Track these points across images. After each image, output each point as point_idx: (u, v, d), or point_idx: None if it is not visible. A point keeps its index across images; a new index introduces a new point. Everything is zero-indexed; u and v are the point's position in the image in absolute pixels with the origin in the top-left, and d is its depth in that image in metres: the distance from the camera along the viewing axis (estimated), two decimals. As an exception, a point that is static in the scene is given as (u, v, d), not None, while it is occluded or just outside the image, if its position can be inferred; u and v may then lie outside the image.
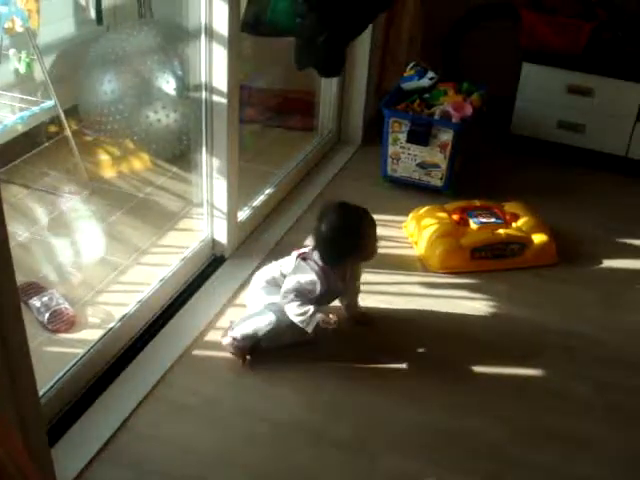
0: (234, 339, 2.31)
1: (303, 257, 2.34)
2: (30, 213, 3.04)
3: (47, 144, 3.37)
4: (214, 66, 2.47)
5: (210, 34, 2.42)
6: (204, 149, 2.63)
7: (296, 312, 2.27)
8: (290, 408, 2.21)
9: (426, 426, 2.17)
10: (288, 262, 2.38)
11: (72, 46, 3.47)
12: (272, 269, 2.43)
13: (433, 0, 3.67)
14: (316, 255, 2.31)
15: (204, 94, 2.53)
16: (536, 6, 3.55)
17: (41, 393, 2.02)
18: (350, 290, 2.49)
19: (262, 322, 2.31)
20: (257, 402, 2.23)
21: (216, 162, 2.64)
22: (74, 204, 3.10)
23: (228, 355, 2.36)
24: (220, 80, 2.49)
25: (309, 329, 2.27)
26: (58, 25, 3.44)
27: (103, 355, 2.28)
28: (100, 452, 2.00)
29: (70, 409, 2.12)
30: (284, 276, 2.35)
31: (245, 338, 2.31)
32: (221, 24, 2.40)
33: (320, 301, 2.33)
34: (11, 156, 3.28)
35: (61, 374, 2.12)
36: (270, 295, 2.37)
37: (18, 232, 2.89)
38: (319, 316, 2.26)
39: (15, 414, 1.65)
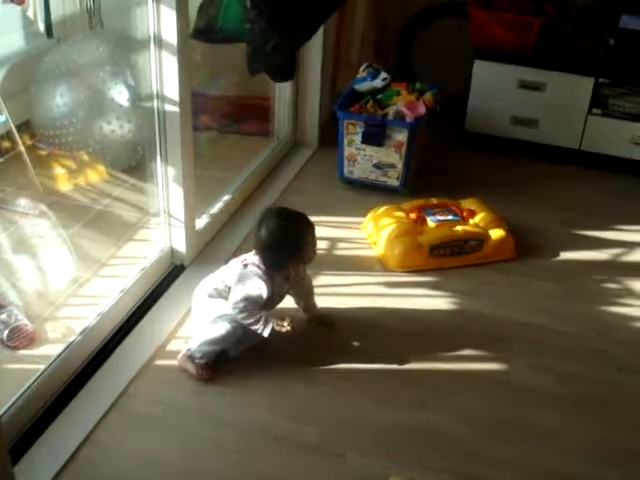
0: (188, 350, 2.31)
1: (245, 264, 2.33)
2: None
3: (0, 160, 3.33)
4: (165, 75, 2.47)
5: (159, 43, 2.42)
6: (158, 158, 2.62)
7: (249, 321, 2.27)
8: (255, 413, 2.21)
9: (392, 425, 2.18)
10: (229, 271, 2.36)
11: (22, 60, 3.43)
12: (213, 281, 2.39)
13: (384, 1, 3.70)
14: (258, 260, 2.31)
15: (156, 103, 2.53)
16: (485, 4, 3.59)
17: (3, 411, 2.00)
18: (299, 290, 2.50)
19: (218, 332, 2.29)
20: (222, 409, 2.22)
21: (171, 171, 2.63)
22: (30, 219, 3.07)
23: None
24: (171, 89, 2.49)
25: (265, 333, 2.27)
26: (7, 39, 3.40)
27: (65, 369, 2.25)
28: (65, 467, 1.98)
29: (33, 425, 2.09)
30: (228, 287, 2.34)
31: (205, 355, 2.30)
32: (170, 33, 2.39)
33: (268, 304, 2.33)
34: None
35: (22, 390, 2.10)
36: (216, 307, 2.34)
37: (-27, 250, 2.86)
38: (272, 319, 2.27)
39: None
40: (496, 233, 2.91)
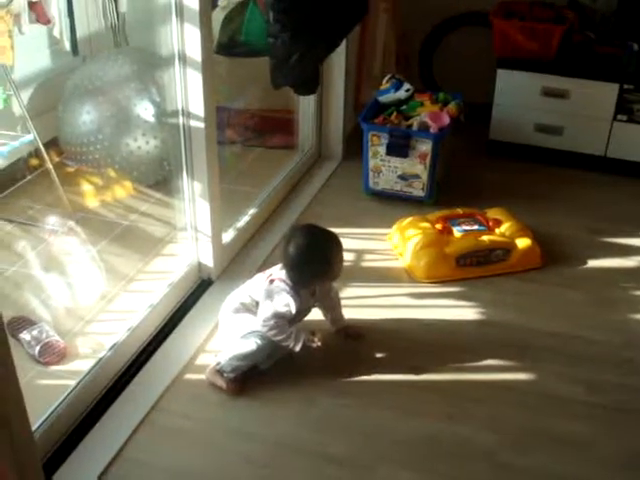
0: (217, 364, 2.33)
1: (271, 279, 2.33)
2: (15, 247, 3.04)
3: (29, 177, 3.37)
4: (189, 91, 2.49)
5: (184, 59, 2.44)
6: (184, 174, 2.64)
7: (280, 338, 2.28)
8: (283, 426, 2.21)
9: (420, 436, 2.18)
10: (255, 286, 2.38)
11: (49, 78, 3.49)
12: (239, 296, 2.41)
13: (405, 13, 3.71)
14: (284, 275, 2.32)
15: (181, 119, 2.55)
16: (506, 13, 3.59)
17: (35, 426, 2.03)
18: (326, 303, 2.51)
19: (249, 348, 2.30)
20: (251, 422, 2.23)
21: (197, 186, 2.65)
22: (59, 236, 3.11)
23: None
24: (196, 104, 2.51)
25: (297, 348, 2.29)
26: (34, 58, 3.46)
27: (95, 385, 2.28)
28: (97, 483, 2.01)
29: (65, 441, 2.12)
30: (255, 301, 2.35)
31: (235, 369, 2.31)
32: (194, 49, 2.42)
33: (295, 318, 2.34)
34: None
35: (54, 406, 2.12)
36: (244, 322, 2.35)
37: (4, 267, 2.90)
38: (303, 334, 2.29)
39: (10, 454, 1.66)
40: (522, 242, 2.90)
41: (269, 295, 2.30)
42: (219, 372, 2.33)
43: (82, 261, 2.99)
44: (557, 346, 2.54)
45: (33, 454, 1.75)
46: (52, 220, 3.14)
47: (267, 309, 2.28)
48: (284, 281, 2.31)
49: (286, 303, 2.28)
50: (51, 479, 1.98)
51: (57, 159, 3.44)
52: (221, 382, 2.32)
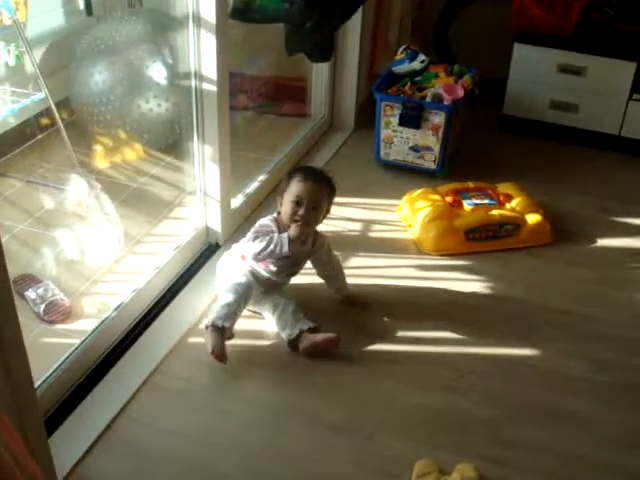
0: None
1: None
2: (24, 205, 3.04)
3: (40, 136, 3.36)
4: (203, 54, 2.47)
5: (198, 22, 2.42)
6: (195, 137, 2.63)
7: (264, 244, 2.31)
8: (284, 393, 2.22)
9: (421, 407, 2.18)
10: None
11: (62, 38, 3.46)
12: (235, 251, 2.48)
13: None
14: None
15: (194, 82, 2.53)
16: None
17: (38, 384, 2.04)
18: (328, 272, 2.53)
19: (225, 295, 2.35)
20: (252, 388, 2.24)
21: (208, 150, 2.64)
22: (68, 195, 3.10)
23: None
24: (209, 68, 2.49)
25: (285, 250, 2.30)
26: (47, 17, 3.43)
27: (99, 345, 2.29)
28: (97, 441, 2.01)
29: (67, 399, 2.12)
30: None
31: (216, 318, 2.30)
32: (208, 11, 2.40)
33: (285, 264, 2.39)
34: (5, 149, 3.29)
35: (57, 365, 2.13)
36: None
37: (13, 224, 2.90)
38: (285, 235, 2.31)
39: (12, 408, 1.66)
40: (532, 218, 2.88)
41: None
42: (206, 329, 2.31)
43: (90, 222, 2.99)
44: (563, 323, 2.53)
45: (35, 410, 1.76)
46: (61, 179, 3.14)
47: (248, 236, 2.37)
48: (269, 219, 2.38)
49: (267, 223, 2.37)
50: (52, 436, 1.99)
51: (68, 119, 3.44)
52: (208, 341, 2.28)
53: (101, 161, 3.33)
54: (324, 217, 2.44)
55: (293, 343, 2.33)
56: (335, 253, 2.55)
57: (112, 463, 1.97)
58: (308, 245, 2.42)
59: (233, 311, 2.31)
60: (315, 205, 2.34)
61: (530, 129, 3.68)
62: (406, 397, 2.21)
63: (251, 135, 3.63)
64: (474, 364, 2.34)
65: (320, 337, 2.31)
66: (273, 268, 2.41)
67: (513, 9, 3.52)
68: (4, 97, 2.80)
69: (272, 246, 2.31)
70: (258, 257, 2.36)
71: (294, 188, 2.34)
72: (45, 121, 3.29)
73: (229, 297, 2.33)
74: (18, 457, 1.39)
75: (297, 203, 2.32)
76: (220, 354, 2.23)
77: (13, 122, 3.25)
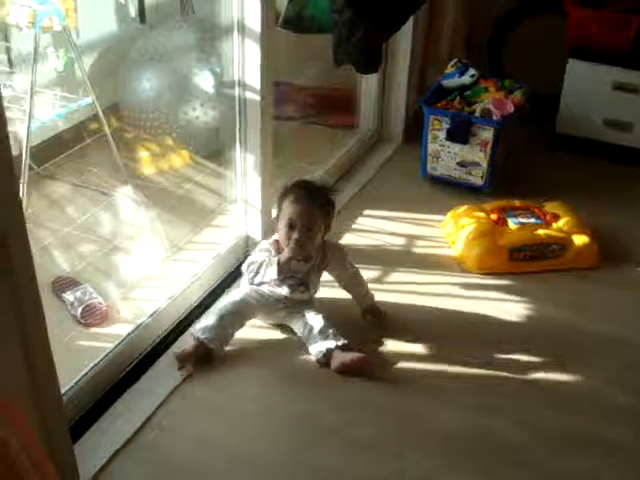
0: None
1: None
2: (70, 209, 3.07)
3: (89, 141, 3.40)
4: (247, 63, 2.46)
5: (242, 30, 2.41)
6: (237, 146, 2.62)
7: (251, 274, 2.34)
8: (314, 406, 2.19)
9: (451, 427, 2.12)
10: None
11: (114, 44, 3.50)
12: None
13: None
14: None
15: (237, 91, 2.52)
16: (584, 1, 3.45)
17: (69, 386, 2.04)
18: (347, 285, 2.49)
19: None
20: (282, 400, 2.22)
21: (250, 158, 2.63)
22: (113, 200, 3.13)
23: (257, 353, 2.36)
24: (253, 76, 2.48)
25: (272, 276, 2.30)
26: (100, 23, 3.48)
27: (132, 350, 2.28)
28: (124, 447, 2.00)
29: (97, 403, 2.13)
30: None
31: (200, 330, 2.32)
32: (253, 20, 2.38)
33: (294, 282, 2.37)
34: (54, 153, 3.33)
35: (88, 369, 2.13)
36: None
37: (57, 227, 2.93)
38: (274, 260, 2.29)
39: (36, 410, 1.67)
40: (580, 239, 2.80)
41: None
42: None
43: (133, 227, 3.00)
44: (607, 349, 2.44)
45: (60, 412, 1.77)
46: (108, 184, 3.16)
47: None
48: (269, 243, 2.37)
49: (262, 247, 2.37)
50: (78, 441, 1.98)
51: (117, 124, 3.47)
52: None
53: (147, 167, 3.35)
54: (325, 233, 2.38)
55: (322, 361, 2.30)
56: (358, 266, 2.51)
57: (136, 471, 1.96)
58: (314, 261, 2.37)
59: (216, 326, 2.29)
60: (309, 226, 2.27)
61: (582, 147, 3.58)
62: (438, 417, 2.16)
63: (297, 145, 3.60)
64: (511, 387, 2.27)
65: (350, 357, 2.26)
66: (280, 288, 2.38)
67: (568, 24, 3.44)
68: (53, 101, 2.83)
69: (262, 271, 2.31)
70: (253, 282, 2.36)
71: (286, 210, 2.29)
72: (94, 126, 3.33)
73: (214, 316, 2.33)
74: (35, 460, 1.39)
75: (290, 226, 2.27)
76: (182, 358, 2.24)
77: (62, 126, 3.29)
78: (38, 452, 1.42)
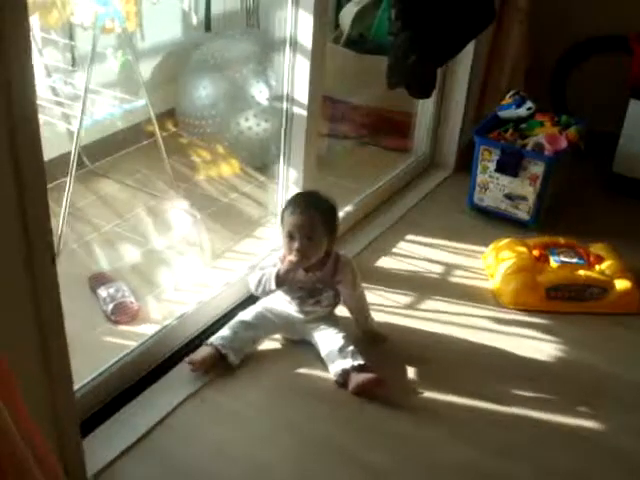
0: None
1: None
2: (116, 207, 3.13)
3: (145, 142, 3.47)
4: (296, 77, 2.48)
5: (294, 44, 2.43)
6: (281, 160, 2.64)
7: (254, 284, 2.36)
8: (331, 427, 2.17)
9: (468, 465, 2.08)
10: None
11: (177, 50, 3.56)
12: None
13: (541, 30, 3.56)
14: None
15: (285, 105, 2.54)
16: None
17: (86, 380, 2.08)
18: (349, 303, 2.47)
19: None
20: (300, 417, 2.20)
21: (292, 173, 2.64)
22: (159, 203, 3.18)
23: (278, 366, 2.36)
24: (301, 92, 2.49)
25: (272, 286, 2.31)
26: (166, 29, 3.55)
27: (156, 351, 2.31)
28: (134, 446, 2.02)
29: (114, 400, 2.15)
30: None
31: (215, 339, 2.35)
32: (306, 35, 2.40)
33: (303, 295, 2.38)
34: (108, 151, 3.41)
35: (108, 365, 2.16)
36: None
37: (101, 223, 2.99)
38: (274, 270, 2.30)
39: (47, 403, 1.70)
40: (622, 284, 2.72)
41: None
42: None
43: (176, 231, 3.04)
44: (635, 399, 2.36)
45: (71, 403, 1.79)
46: (156, 187, 3.21)
47: None
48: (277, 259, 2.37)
49: (271, 261, 2.37)
50: (88, 436, 2.01)
51: (173, 129, 3.53)
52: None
53: (198, 173, 3.39)
54: (331, 241, 2.35)
55: (340, 381, 2.28)
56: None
57: (142, 471, 1.98)
58: (325, 273, 2.36)
59: (230, 337, 2.32)
60: (310, 235, 2.27)
61: (638, 190, 3.49)
62: (454, 452, 2.12)
63: (348, 164, 3.61)
64: (530, 428, 2.22)
65: (362, 378, 2.24)
66: (289, 299, 2.39)
67: (633, 63, 3.37)
68: (111, 101, 2.88)
69: (264, 282, 2.32)
70: (257, 293, 2.38)
71: (286, 222, 2.30)
72: (151, 128, 3.39)
73: (228, 328, 2.37)
74: (39, 454, 1.40)
75: (291, 237, 2.28)
76: (193, 360, 2.26)
77: (120, 126, 3.37)
78: (40, 444, 1.43)
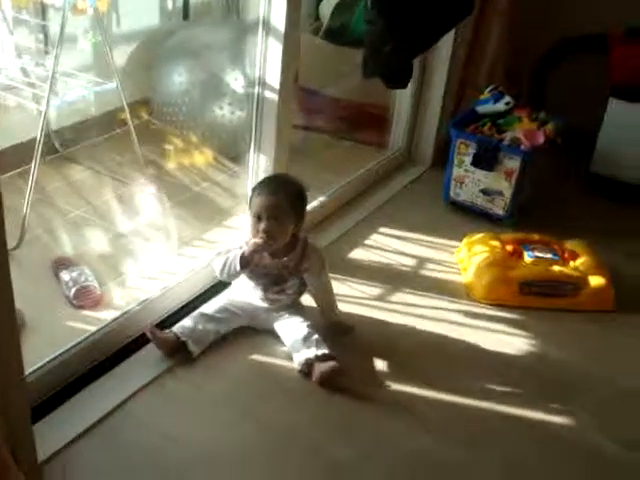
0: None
1: None
2: (85, 193, 3.07)
3: (119, 131, 3.41)
4: (269, 61, 2.43)
5: (267, 27, 2.38)
6: (252, 145, 2.59)
7: (219, 267, 2.28)
8: (293, 418, 2.12)
9: (430, 456, 2.03)
10: None
11: (153, 38, 3.51)
12: None
13: (522, 28, 3.53)
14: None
15: (257, 90, 2.49)
16: (630, 39, 3.35)
17: (39, 364, 2.02)
18: (315, 290, 2.42)
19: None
20: (261, 406, 2.15)
21: (263, 159, 2.59)
22: (129, 189, 3.12)
23: (242, 356, 2.31)
24: (273, 77, 2.44)
25: (236, 267, 2.23)
26: (142, 15, 3.50)
27: (117, 336, 2.25)
28: (88, 431, 1.96)
29: (70, 384, 2.09)
30: None
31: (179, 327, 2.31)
32: (279, 18, 2.35)
33: (267, 281, 2.33)
34: (80, 138, 3.34)
35: (67, 347, 2.11)
36: None
37: (69, 209, 2.93)
38: (238, 252, 2.24)
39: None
40: (596, 280, 2.68)
41: None
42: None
43: (144, 218, 2.98)
44: (608, 397, 2.32)
45: (21, 391, 1.73)
46: (125, 174, 3.16)
47: None
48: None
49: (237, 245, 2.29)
50: (41, 420, 1.95)
51: (147, 117, 3.47)
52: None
53: (170, 161, 3.34)
54: (298, 226, 2.30)
55: (304, 371, 2.23)
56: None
57: (97, 455, 1.92)
58: (292, 258, 2.31)
59: (192, 327, 2.28)
60: (277, 216, 2.22)
61: (617, 191, 3.45)
62: (419, 445, 2.07)
63: (322, 157, 3.56)
64: (495, 422, 2.17)
65: (325, 367, 2.19)
66: (253, 286, 2.35)
67: (611, 62, 3.34)
68: (83, 84, 2.81)
69: (228, 264, 2.26)
70: (222, 277, 2.32)
71: (253, 203, 2.25)
72: (124, 116, 3.33)
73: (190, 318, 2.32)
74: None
75: (258, 218, 2.23)
76: (152, 331, 2.23)
77: (92, 112, 3.31)
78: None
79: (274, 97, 2.48)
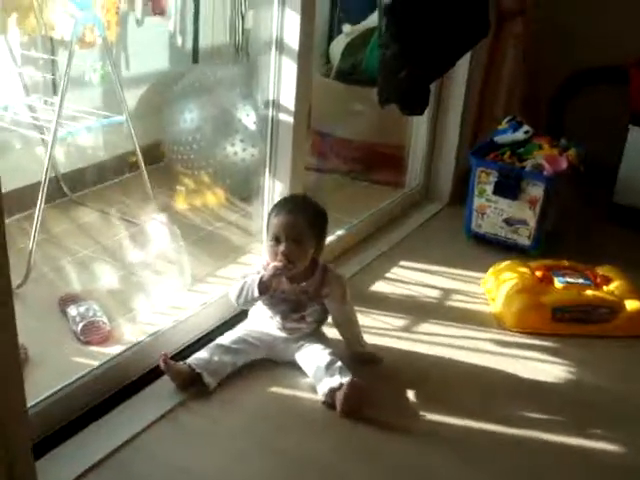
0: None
1: None
2: (94, 233, 2.97)
3: (129, 175, 3.33)
4: (283, 83, 2.36)
5: (281, 49, 2.32)
6: (267, 176, 2.49)
7: (235, 293, 2.17)
8: (315, 449, 1.96)
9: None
10: None
11: (164, 81, 3.46)
12: None
13: (537, 58, 3.47)
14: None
15: (270, 113, 2.41)
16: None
17: (43, 397, 1.89)
18: (338, 319, 2.29)
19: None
20: (281, 438, 1.99)
21: (278, 187, 2.49)
22: (140, 229, 3.02)
23: (260, 388, 2.16)
24: (287, 98, 2.36)
25: (255, 294, 2.11)
26: (152, 59, 3.46)
27: (127, 370, 2.11)
28: (96, 466, 1.81)
29: (81, 417, 1.96)
30: None
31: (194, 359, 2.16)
32: (292, 38, 2.29)
33: (286, 308, 2.20)
34: (91, 182, 3.27)
35: (72, 380, 1.97)
36: None
37: (78, 249, 2.83)
38: (257, 277, 2.11)
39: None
40: (632, 304, 2.54)
41: None
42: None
43: (157, 256, 2.87)
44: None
45: (23, 426, 1.60)
46: (138, 215, 3.06)
47: None
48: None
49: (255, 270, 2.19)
50: (46, 455, 1.80)
51: (158, 161, 3.39)
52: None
53: (181, 202, 3.24)
54: (318, 249, 2.19)
55: (328, 402, 2.08)
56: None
57: (103, 490, 1.76)
58: (311, 284, 2.19)
59: (207, 359, 2.14)
60: (296, 238, 2.09)
61: (640, 220, 3.33)
62: (455, 474, 1.91)
63: (336, 198, 3.42)
64: (538, 451, 2.01)
65: (347, 388, 2.04)
66: (271, 315, 2.22)
67: (631, 90, 3.27)
68: (84, 116, 2.74)
69: (245, 290, 2.13)
70: (239, 304, 2.19)
71: (271, 225, 2.14)
72: (134, 159, 3.26)
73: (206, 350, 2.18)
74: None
75: (276, 240, 2.11)
76: (167, 363, 2.08)
77: (103, 156, 3.24)
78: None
79: (289, 119, 2.39)
